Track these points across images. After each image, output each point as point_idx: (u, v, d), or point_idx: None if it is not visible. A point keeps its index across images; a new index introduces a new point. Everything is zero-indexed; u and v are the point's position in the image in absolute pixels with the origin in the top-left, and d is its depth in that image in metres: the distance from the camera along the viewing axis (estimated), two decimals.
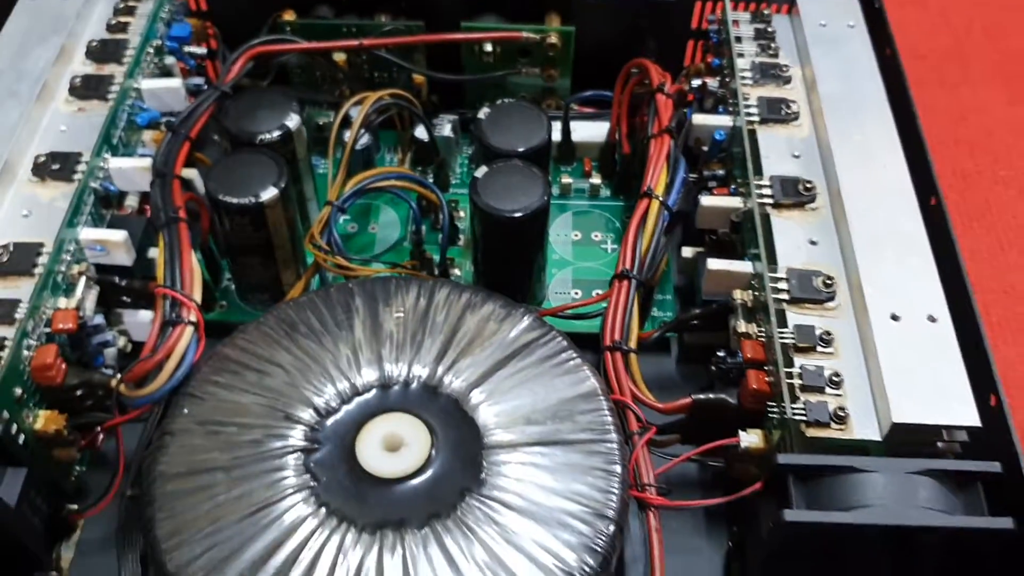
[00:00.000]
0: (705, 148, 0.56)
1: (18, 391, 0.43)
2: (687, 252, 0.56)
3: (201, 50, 0.60)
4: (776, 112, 0.53)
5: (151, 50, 0.56)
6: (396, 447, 0.42)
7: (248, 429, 0.42)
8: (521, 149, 0.53)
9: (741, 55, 0.56)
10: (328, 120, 0.62)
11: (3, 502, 0.41)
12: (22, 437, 0.43)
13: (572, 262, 0.59)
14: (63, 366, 0.44)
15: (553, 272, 0.58)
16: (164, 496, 0.40)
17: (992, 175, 0.67)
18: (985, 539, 0.40)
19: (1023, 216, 0.64)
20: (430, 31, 0.60)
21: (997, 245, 0.63)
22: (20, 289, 0.44)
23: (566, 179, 0.62)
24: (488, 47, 0.60)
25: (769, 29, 0.58)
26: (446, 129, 0.60)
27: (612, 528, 0.40)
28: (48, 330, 0.45)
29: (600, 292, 0.55)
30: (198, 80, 0.59)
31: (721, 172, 0.56)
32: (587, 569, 0.39)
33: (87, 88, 0.53)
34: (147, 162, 0.51)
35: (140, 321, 0.51)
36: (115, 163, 0.51)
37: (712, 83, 0.58)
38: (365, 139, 0.59)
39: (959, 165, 0.67)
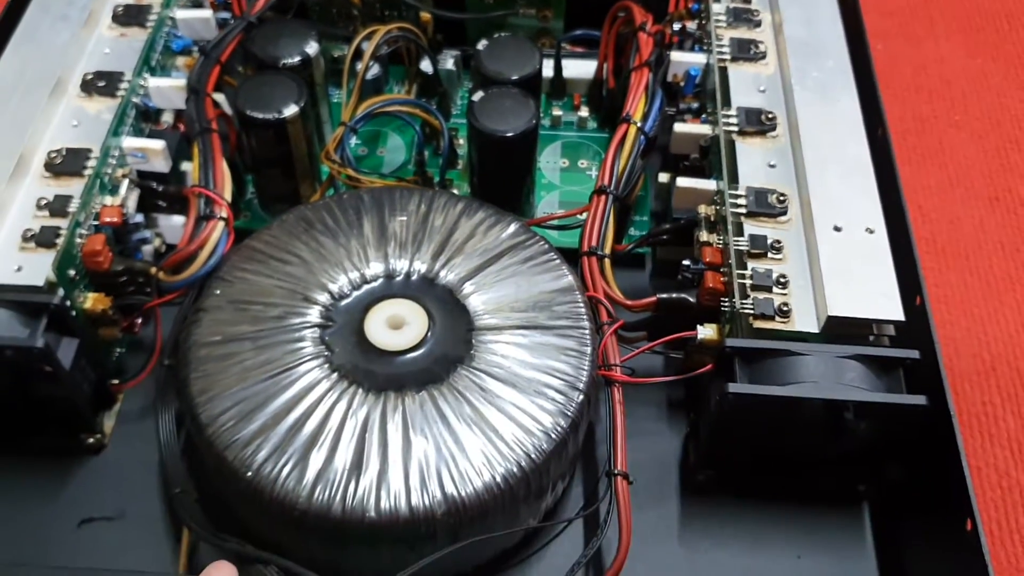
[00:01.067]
0: (682, 84, 0.62)
1: (72, 273, 0.49)
2: (663, 177, 0.62)
3: None
4: (746, 52, 0.59)
5: None
6: (398, 325, 0.49)
7: (272, 307, 0.49)
8: (514, 77, 0.59)
9: (717, 0, 0.62)
10: (343, 53, 0.67)
11: (60, 363, 0.47)
12: (74, 313, 0.49)
13: (559, 186, 0.65)
14: (110, 254, 0.50)
15: (542, 194, 0.64)
16: (198, 360, 0.47)
17: (947, 119, 0.73)
18: (902, 413, 0.46)
19: (972, 156, 0.70)
20: None
21: (947, 181, 0.69)
22: (72, 187, 0.50)
23: (557, 112, 0.68)
24: None
25: None
26: (449, 63, 0.67)
27: (581, 398, 0.47)
28: (96, 223, 0.51)
29: None
30: (225, 14, 0.64)
31: (696, 105, 0.62)
32: (560, 429, 0.46)
33: (128, 16, 0.59)
34: (182, 82, 0.57)
35: (174, 224, 0.56)
36: (154, 82, 0.57)
37: (691, 25, 0.64)
38: (375, 70, 0.65)
39: (918, 110, 0.73)
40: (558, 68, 0.67)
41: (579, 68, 0.68)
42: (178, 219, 0.56)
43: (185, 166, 0.57)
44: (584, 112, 0.68)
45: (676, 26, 0.64)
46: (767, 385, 0.46)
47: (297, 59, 0.58)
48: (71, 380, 0.48)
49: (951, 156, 0.70)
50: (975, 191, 0.68)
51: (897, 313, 0.48)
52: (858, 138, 0.55)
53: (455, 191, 0.63)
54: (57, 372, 0.47)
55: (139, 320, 0.54)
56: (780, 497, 0.53)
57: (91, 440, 0.53)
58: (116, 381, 0.54)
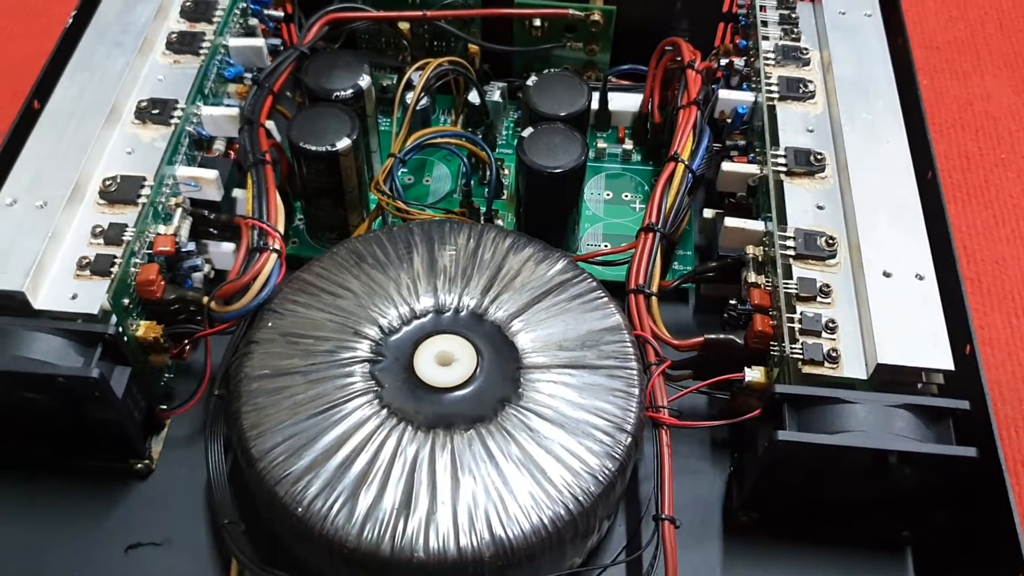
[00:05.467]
0: (729, 120, 0.62)
1: (125, 301, 0.49)
2: (708, 213, 0.61)
3: (279, 13, 0.66)
4: (794, 90, 0.59)
5: (237, 11, 0.63)
6: (447, 362, 0.49)
7: (323, 341, 0.49)
8: (563, 114, 0.59)
9: (766, 38, 0.62)
10: (391, 82, 0.68)
11: (113, 392, 0.48)
12: (126, 340, 0.50)
13: (603, 218, 0.65)
14: (163, 283, 0.51)
15: (586, 226, 0.64)
16: (249, 393, 0.48)
17: (993, 157, 0.72)
18: (951, 464, 0.46)
19: (1018, 195, 0.70)
20: (486, 5, 0.67)
21: (992, 221, 0.69)
22: (127, 215, 0.51)
23: (601, 144, 0.68)
24: (537, 22, 0.66)
25: (793, 15, 0.63)
26: (496, 95, 0.67)
27: (629, 440, 0.47)
28: (150, 252, 0.52)
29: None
30: (275, 41, 0.65)
31: (743, 142, 0.62)
32: (607, 472, 0.46)
33: (182, 43, 0.59)
34: (235, 111, 0.58)
35: (223, 251, 0.57)
36: (207, 111, 0.58)
37: (739, 62, 0.64)
38: (424, 100, 0.66)
39: (963, 147, 0.73)
40: (604, 101, 0.68)
41: (624, 101, 0.68)
42: (228, 246, 0.57)
43: (236, 192, 0.58)
44: (628, 145, 0.68)
45: (723, 61, 0.65)
46: (816, 433, 0.46)
47: (350, 92, 0.58)
48: (123, 407, 0.49)
49: (996, 195, 0.70)
50: (1021, 231, 0.68)
51: (947, 362, 0.48)
52: (907, 180, 0.55)
53: (500, 222, 0.64)
54: (110, 400, 0.48)
55: (188, 346, 0.54)
56: (823, 541, 0.52)
57: (139, 465, 0.53)
58: (164, 407, 0.54)
